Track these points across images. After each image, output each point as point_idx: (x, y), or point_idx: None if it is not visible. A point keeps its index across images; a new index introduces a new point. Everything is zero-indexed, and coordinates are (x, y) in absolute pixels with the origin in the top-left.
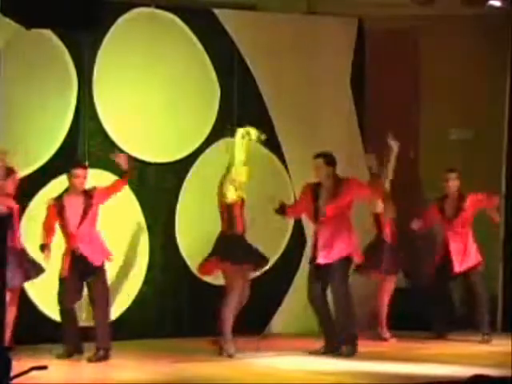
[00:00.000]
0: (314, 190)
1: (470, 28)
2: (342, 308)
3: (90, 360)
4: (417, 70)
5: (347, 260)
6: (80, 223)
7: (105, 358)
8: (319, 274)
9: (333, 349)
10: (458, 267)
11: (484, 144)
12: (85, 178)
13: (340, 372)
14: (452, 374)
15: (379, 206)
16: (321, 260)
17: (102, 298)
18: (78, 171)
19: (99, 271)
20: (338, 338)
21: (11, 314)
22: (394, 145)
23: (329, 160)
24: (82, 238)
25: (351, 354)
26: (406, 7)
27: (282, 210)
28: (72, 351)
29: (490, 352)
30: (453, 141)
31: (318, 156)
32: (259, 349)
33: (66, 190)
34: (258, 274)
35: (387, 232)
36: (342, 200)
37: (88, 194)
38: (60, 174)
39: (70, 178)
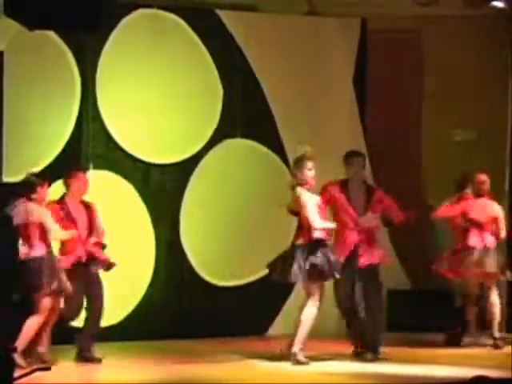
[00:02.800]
0: None
1: (472, 29)
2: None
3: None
4: (419, 71)
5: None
6: (89, 232)
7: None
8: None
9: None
10: None
11: (487, 145)
12: (86, 182)
13: (345, 373)
14: (453, 375)
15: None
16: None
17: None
18: (80, 174)
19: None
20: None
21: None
22: None
23: None
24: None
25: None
26: (408, 7)
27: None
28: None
29: (491, 353)
30: (456, 142)
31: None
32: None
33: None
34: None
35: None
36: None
37: (87, 206)
38: (64, 174)
39: (70, 181)
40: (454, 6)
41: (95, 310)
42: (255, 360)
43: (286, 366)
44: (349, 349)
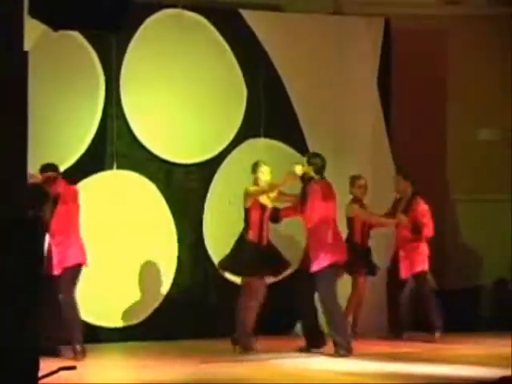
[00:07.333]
0: None
1: (496, 28)
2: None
3: (76, 358)
4: (444, 70)
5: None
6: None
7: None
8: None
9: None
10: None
11: (510, 144)
12: (56, 178)
13: (368, 373)
14: (479, 376)
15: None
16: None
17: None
18: (48, 174)
19: (63, 274)
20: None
21: None
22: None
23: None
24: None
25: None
26: (432, 7)
27: None
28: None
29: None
30: (480, 141)
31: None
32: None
33: None
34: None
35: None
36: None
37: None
38: (88, 174)
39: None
40: (479, 5)
41: None
42: (280, 359)
43: (310, 365)
44: (373, 349)
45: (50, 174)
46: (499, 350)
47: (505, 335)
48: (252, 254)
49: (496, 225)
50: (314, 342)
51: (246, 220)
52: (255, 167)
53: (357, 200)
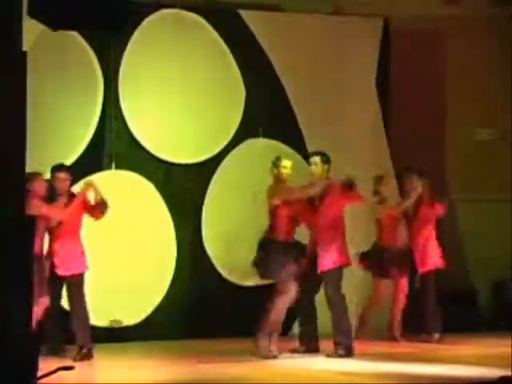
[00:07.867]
0: None
1: (496, 28)
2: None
3: (75, 359)
4: (443, 70)
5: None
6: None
7: (88, 356)
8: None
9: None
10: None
11: (510, 144)
12: (68, 180)
13: (364, 373)
14: (478, 376)
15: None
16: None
17: (76, 303)
18: (61, 174)
19: (70, 279)
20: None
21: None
22: (419, 187)
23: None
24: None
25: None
26: (432, 7)
27: None
28: (55, 350)
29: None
30: (480, 141)
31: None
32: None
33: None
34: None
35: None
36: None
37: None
38: (87, 174)
39: (53, 182)
40: (479, 5)
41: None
42: (280, 359)
43: (310, 365)
44: (369, 349)
45: (61, 174)
46: (499, 350)
47: (505, 335)
48: (282, 253)
49: (496, 225)
50: (309, 347)
51: (273, 219)
52: (277, 162)
53: (385, 199)
